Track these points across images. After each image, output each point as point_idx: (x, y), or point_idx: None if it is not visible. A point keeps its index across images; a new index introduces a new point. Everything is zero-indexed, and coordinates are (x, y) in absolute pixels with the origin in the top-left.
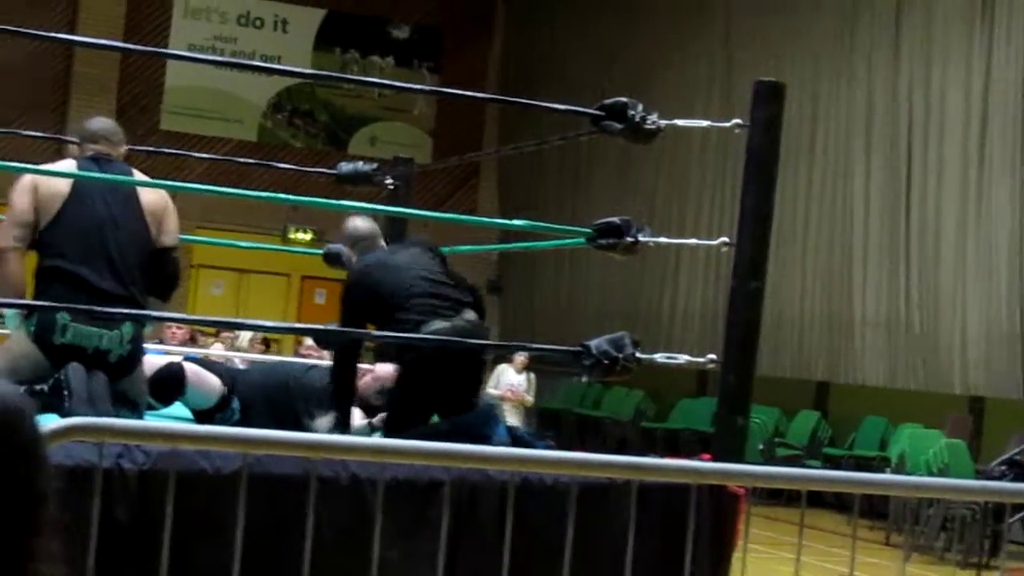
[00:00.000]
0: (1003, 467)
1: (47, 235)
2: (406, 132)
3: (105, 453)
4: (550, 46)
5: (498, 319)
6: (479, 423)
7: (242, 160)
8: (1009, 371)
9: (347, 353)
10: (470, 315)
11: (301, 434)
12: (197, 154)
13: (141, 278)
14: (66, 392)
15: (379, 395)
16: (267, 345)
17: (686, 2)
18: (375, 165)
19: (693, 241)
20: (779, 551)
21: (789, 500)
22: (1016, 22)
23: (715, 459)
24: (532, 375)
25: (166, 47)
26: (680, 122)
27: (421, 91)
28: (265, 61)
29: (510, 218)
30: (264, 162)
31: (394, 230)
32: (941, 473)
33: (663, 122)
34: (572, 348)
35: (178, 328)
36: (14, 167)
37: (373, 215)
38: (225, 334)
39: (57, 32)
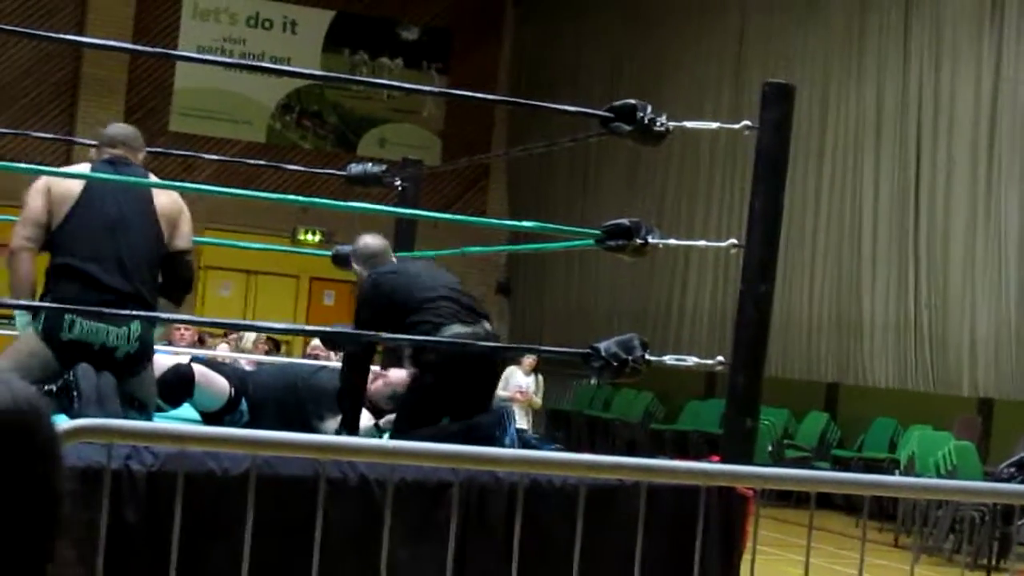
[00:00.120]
0: (1012, 469)
1: (58, 235)
2: (415, 134)
3: (114, 454)
4: (559, 47)
5: (507, 320)
6: (490, 425)
7: (251, 162)
8: (1018, 373)
9: (359, 356)
10: (488, 325)
11: (309, 435)
12: (206, 155)
13: (151, 278)
14: (75, 393)
15: (389, 399)
16: (276, 346)
17: (697, 5)
18: (384, 167)
19: (702, 243)
20: (788, 552)
21: (798, 502)
22: None
23: (724, 461)
24: (541, 377)
25: (175, 49)
26: (689, 124)
27: (430, 93)
28: (274, 62)
29: (519, 220)
30: (273, 163)
31: (403, 231)
32: (950, 475)
33: (672, 124)
34: (581, 350)
35: (186, 329)
36: (30, 169)
37: (382, 224)
38: (231, 335)
39: (66, 34)
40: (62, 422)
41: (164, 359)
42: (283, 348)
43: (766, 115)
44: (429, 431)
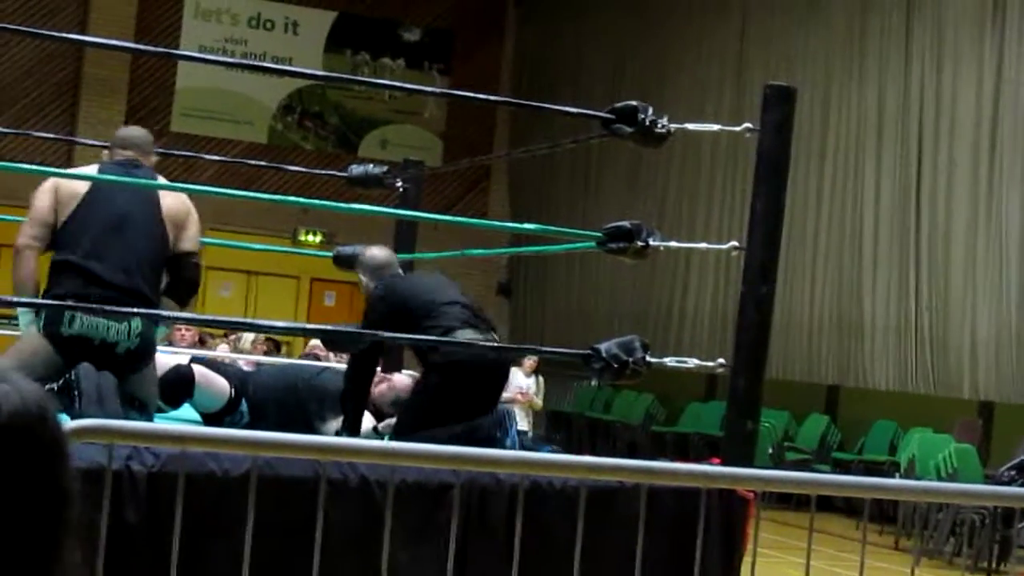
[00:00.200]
0: (1012, 472)
1: (62, 232)
2: (416, 135)
3: (114, 455)
4: (561, 48)
5: (508, 322)
6: (491, 426)
7: (252, 162)
8: (1018, 375)
9: (366, 358)
10: (495, 336)
11: (310, 436)
12: (207, 156)
13: (153, 277)
14: (76, 392)
15: (393, 404)
16: (277, 347)
17: (699, 6)
18: (386, 168)
19: (704, 245)
20: (788, 555)
21: (798, 504)
22: None
23: (725, 463)
24: (541, 378)
25: (177, 49)
26: (691, 126)
27: (432, 94)
28: (276, 63)
29: (521, 221)
30: (275, 164)
31: (404, 233)
32: (950, 478)
33: (674, 126)
34: (582, 351)
35: (187, 330)
36: (37, 170)
37: (383, 226)
38: (230, 336)
39: (68, 34)
40: (64, 422)
41: (165, 359)
42: (283, 349)
43: (767, 117)
44: (430, 432)
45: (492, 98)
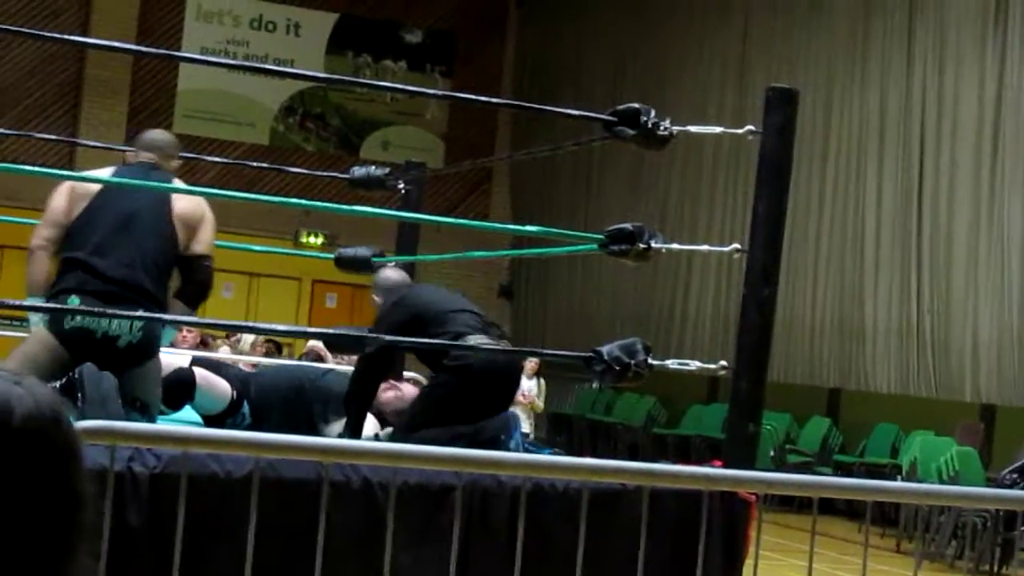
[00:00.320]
0: (1014, 475)
1: (72, 231)
2: (418, 136)
3: (116, 456)
4: (562, 50)
5: (509, 324)
6: (495, 429)
7: (254, 164)
8: (1020, 379)
9: (375, 363)
10: (507, 344)
11: (313, 438)
12: (209, 157)
13: (159, 276)
14: (79, 394)
15: (398, 414)
16: (279, 349)
17: (701, 7)
18: (388, 169)
19: (705, 247)
20: (790, 558)
21: (800, 507)
22: None
23: (727, 465)
24: (543, 380)
25: (178, 50)
26: (693, 129)
27: (434, 96)
28: (277, 65)
29: (522, 223)
30: (276, 166)
31: (406, 235)
32: (952, 481)
33: (676, 128)
34: (584, 354)
35: (188, 331)
36: (45, 172)
37: (385, 228)
38: (231, 337)
39: (70, 35)
40: None
41: (167, 359)
42: (284, 351)
43: (770, 119)
44: (433, 433)
45: (494, 100)
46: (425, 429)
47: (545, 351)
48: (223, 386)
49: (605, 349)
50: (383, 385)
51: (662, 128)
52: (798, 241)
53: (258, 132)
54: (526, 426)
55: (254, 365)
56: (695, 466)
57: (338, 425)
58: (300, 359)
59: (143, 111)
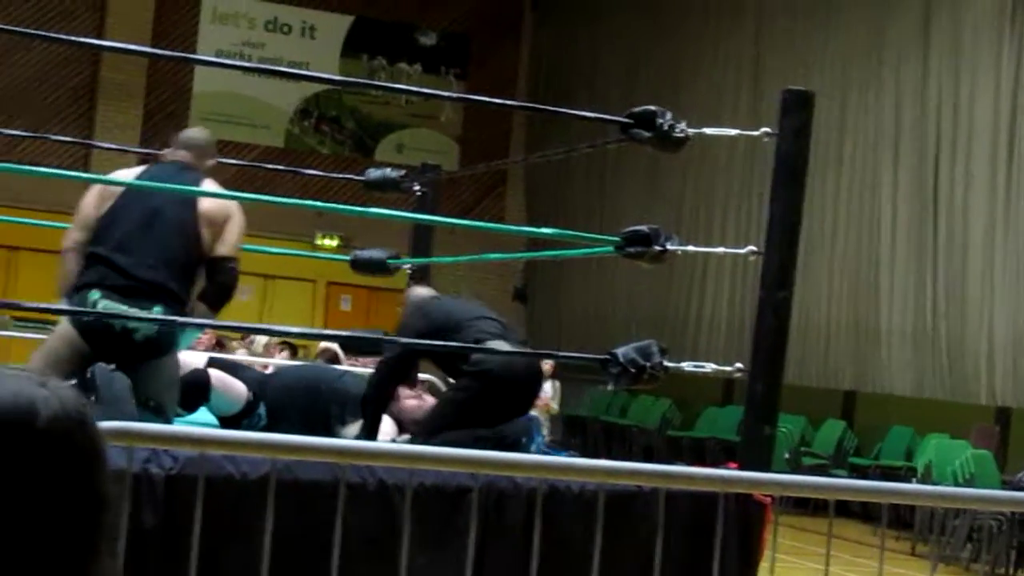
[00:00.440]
0: None
1: (98, 227)
2: (433, 139)
3: (132, 457)
4: (577, 53)
5: (524, 327)
6: (516, 433)
7: (269, 166)
8: None
9: (396, 367)
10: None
11: (330, 440)
12: (224, 160)
13: (180, 275)
14: (93, 397)
15: (417, 423)
16: (294, 351)
17: (715, 10)
18: (403, 172)
19: (721, 250)
20: (805, 560)
21: (815, 509)
22: None
23: (742, 468)
24: (557, 383)
25: (194, 53)
26: (709, 131)
27: (448, 98)
28: (292, 67)
29: (537, 225)
30: (291, 168)
31: (421, 237)
32: (967, 484)
33: (691, 130)
34: (599, 356)
35: (204, 333)
36: (59, 174)
37: (400, 230)
38: (245, 339)
39: (84, 38)
40: None
41: (185, 358)
42: (300, 352)
43: (785, 122)
44: (453, 436)
45: (508, 102)
46: (444, 433)
47: (560, 353)
48: (239, 387)
49: (621, 351)
50: (407, 393)
51: (678, 130)
52: (813, 243)
53: (273, 135)
54: (543, 429)
55: (264, 366)
56: (710, 468)
57: (354, 427)
58: (315, 361)
59: (158, 114)
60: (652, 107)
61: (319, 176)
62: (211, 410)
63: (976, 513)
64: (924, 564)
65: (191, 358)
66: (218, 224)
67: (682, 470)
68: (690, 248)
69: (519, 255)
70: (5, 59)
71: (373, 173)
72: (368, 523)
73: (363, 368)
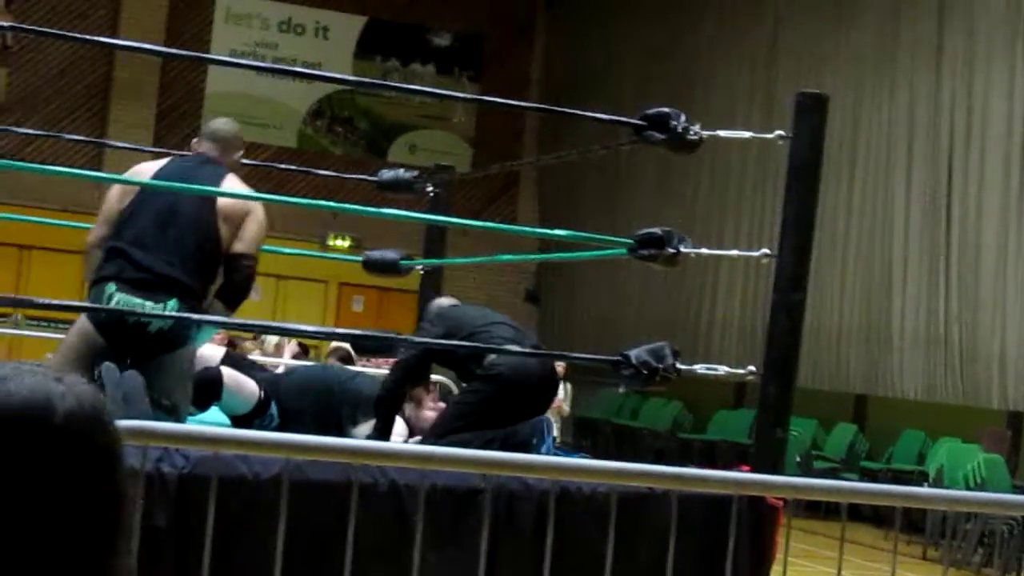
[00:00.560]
0: None
1: (119, 221)
2: (446, 140)
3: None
4: (591, 55)
5: (536, 329)
6: (527, 434)
7: (282, 166)
8: None
9: (412, 370)
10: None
11: (344, 440)
12: None
13: (197, 270)
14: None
15: (429, 431)
16: (305, 351)
17: (729, 12)
18: (416, 173)
19: (735, 252)
20: (816, 564)
21: (827, 513)
22: None
23: (754, 471)
24: (569, 385)
25: (207, 54)
26: (723, 133)
27: (461, 99)
28: (306, 68)
29: (550, 227)
30: (304, 169)
31: (434, 238)
32: (979, 488)
33: (706, 133)
34: (612, 358)
35: (217, 332)
36: (87, 175)
37: (413, 231)
38: (257, 339)
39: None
40: None
41: (203, 351)
42: (312, 352)
43: (799, 125)
44: (464, 437)
45: (521, 104)
46: (454, 435)
47: (572, 355)
48: (251, 386)
49: (633, 353)
50: (429, 403)
51: (692, 132)
52: (825, 247)
53: (286, 135)
54: (554, 430)
55: (268, 367)
56: (723, 471)
57: (365, 427)
58: (327, 361)
59: (171, 114)
60: (666, 109)
61: (332, 177)
62: (223, 409)
63: (988, 517)
64: (935, 569)
65: (208, 350)
66: (236, 220)
67: (695, 472)
68: (703, 250)
69: (531, 256)
70: (19, 59)
71: (386, 174)
72: (380, 524)
73: (375, 368)
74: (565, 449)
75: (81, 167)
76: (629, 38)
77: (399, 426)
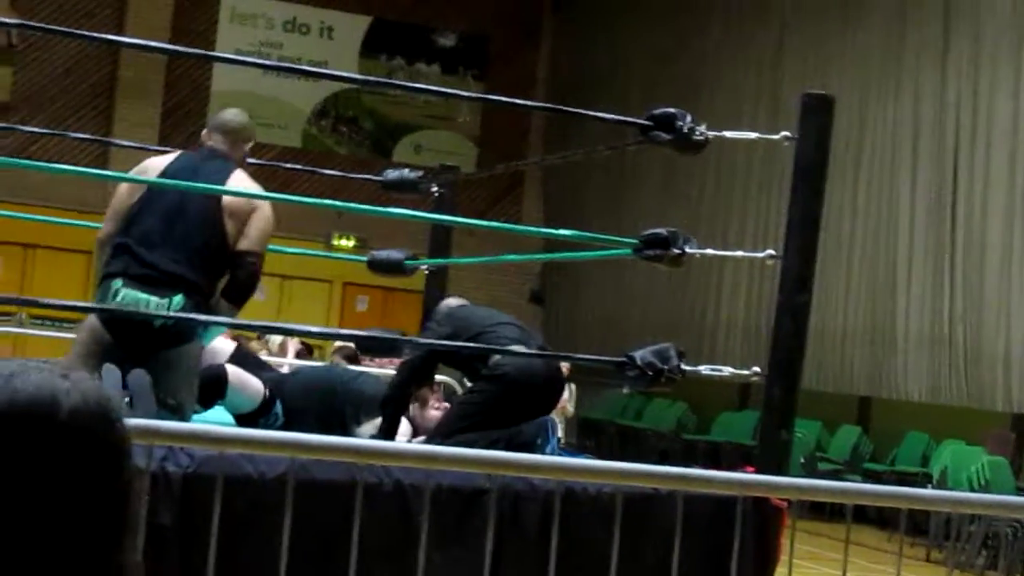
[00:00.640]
0: None
1: (127, 217)
2: (451, 140)
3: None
4: (597, 55)
5: (540, 329)
6: (532, 434)
7: (287, 166)
8: None
9: (418, 369)
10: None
11: (349, 439)
12: None
13: (202, 267)
14: None
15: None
16: (310, 351)
17: (735, 14)
18: (421, 173)
19: (740, 254)
20: (820, 566)
21: (831, 514)
22: None
23: (759, 472)
24: (573, 385)
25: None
26: (729, 134)
27: (465, 98)
28: (311, 67)
29: (554, 227)
30: (309, 168)
31: (438, 238)
32: (983, 490)
33: (711, 133)
34: (617, 359)
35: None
36: (92, 173)
37: (418, 231)
38: (262, 339)
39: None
40: None
41: (212, 344)
42: (316, 352)
43: (805, 125)
44: (469, 437)
45: (527, 103)
46: (459, 435)
47: (578, 356)
48: (256, 385)
49: (638, 354)
50: (433, 403)
51: (698, 133)
52: (830, 248)
53: (291, 135)
54: (559, 431)
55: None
56: (728, 472)
57: (370, 426)
58: (331, 360)
59: (176, 112)
60: (672, 109)
61: (336, 176)
62: (227, 407)
63: (992, 520)
64: (939, 571)
65: (219, 343)
66: (242, 217)
67: (700, 473)
68: (708, 251)
69: (536, 256)
70: (24, 57)
71: (391, 174)
72: (385, 523)
73: (379, 369)
74: (569, 450)
75: (86, 166)
76: (635, 41)
77: (403, 426)
